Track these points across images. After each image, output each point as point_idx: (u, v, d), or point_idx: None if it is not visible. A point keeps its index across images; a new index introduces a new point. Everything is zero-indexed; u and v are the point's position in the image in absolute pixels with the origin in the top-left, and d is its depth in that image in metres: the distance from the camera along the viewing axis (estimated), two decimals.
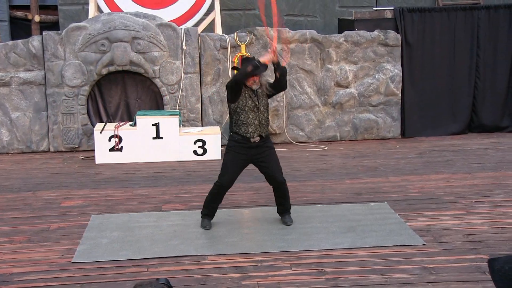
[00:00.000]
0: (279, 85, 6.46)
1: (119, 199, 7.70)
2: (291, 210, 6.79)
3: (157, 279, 3.07)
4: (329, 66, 10.52)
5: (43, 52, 10.03)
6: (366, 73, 10.61)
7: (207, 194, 6.66)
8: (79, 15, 12.27)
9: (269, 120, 6.55)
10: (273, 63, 6.30)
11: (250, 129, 6.38)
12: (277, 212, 6.78)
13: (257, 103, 6.37)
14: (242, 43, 10.22)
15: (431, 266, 5.61)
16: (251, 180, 8.00)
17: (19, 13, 13.36)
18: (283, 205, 6.71)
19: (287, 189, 6.68)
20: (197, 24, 10.93)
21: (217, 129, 9.89)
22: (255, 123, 6.38)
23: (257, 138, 6.41)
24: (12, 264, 5.81)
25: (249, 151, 6.43)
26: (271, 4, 6.43)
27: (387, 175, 8.57)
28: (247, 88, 6.38)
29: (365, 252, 5.95)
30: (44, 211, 7.29)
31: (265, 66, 6.30)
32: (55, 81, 10.02)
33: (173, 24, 10.23)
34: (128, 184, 8.37)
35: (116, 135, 9.50)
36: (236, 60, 10.04)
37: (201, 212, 6.68)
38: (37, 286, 5.36)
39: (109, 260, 5.85)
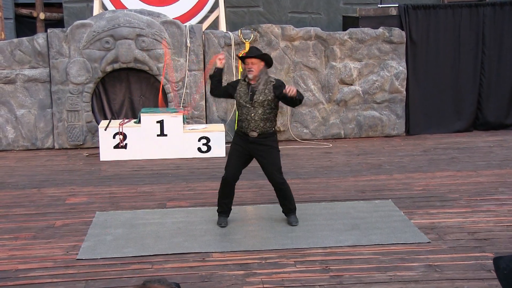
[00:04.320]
0: (286, 103, 6.51)
1: (123, 196, 7.71)
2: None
3: (166, 280, 3.06)
4: (334, 63, 10.51)
5: (48, 50, 10.04)
6: (370, 70, 10.60)
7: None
8: (84, 12, 12.29)
9: (266, 116, 6.39)
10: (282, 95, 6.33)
11: (244, 125, 6.45)
12: (282, 212, 6.77)
13: (249, 99, 6.37)
14: (246, 40, 10.21)
15: (436, 263, 5.60)
16: (255, 177, 8.00)
17: (24, 11, 13.38)
18: (286, 206, 6.67)
19: (288, 190, 6.62)
20: (201, 21, 10.93)
21: (221, 127, 9.88)
22: (247, 118, 6.41)
23: (254, 133, 6.41)
24: (17, 260, 5.82)
25: (248, 145, 6.45)
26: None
27: (392, 173, 8.56)
28: (244, 84, 6.44)
29: (370, 250, 5.94)
30: (48, 208, 7.30)
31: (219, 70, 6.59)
32: (59, 78, 10.04)
33: (178, 21, 10.23)
34: (132, 181, 8.38)
35: (121, 132, 9.51)
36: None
37: (217, 210, 6.71)
38: (42, 282, 5.38)
39: (113, 257, 5.87)
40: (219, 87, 6.64)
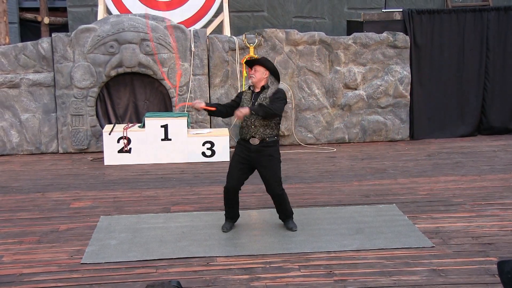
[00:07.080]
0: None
1: (127, 201, 7.72)
2: (298, 212, 6.77)
3: (169, 281, 3.07)
4: (338, 68, 10.51)
5: (52, 54, 10.07)
6: (374, 75, 10.60)
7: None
8: (88, 17, 12.33)
9: (266, 123, 6.33)
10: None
11: (244, 131, 6.44)
12: (280, 218, 6.75)
13: (251, 106, 6.38)
14: (251, 44, 10.23)
15: (440, 268, 5.60)
16: (259, 182, 7.99)
17: (29, 15, 13.43)
18: (282, 213, 6.67)
19: (284, 199, 6.57)
20: (206, 26, 10.95)
21: (225, 131, 9.90)
22: (248, 124, 6.39)
23: (256, 141, 6.38)
24: (21, 264, 5.83)
25: (249, 154, 6.42)
26: None
27: (396, 177, 8.55)
28: (249, 92, 6.49)
29: (374, 254, 5.94)
30: (53, 212, 7.31)
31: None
32: (64, 83, 10.06)
33: (182, 26, 10.25)
34: (136, 185, 8.39)
35: (125, 136, 9.53)
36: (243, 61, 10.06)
37: (224, 215, 6.72)
38: (47, 286, 5.38)
39: (118, 261, 5.87)
40: (224, 111, 6.60)
